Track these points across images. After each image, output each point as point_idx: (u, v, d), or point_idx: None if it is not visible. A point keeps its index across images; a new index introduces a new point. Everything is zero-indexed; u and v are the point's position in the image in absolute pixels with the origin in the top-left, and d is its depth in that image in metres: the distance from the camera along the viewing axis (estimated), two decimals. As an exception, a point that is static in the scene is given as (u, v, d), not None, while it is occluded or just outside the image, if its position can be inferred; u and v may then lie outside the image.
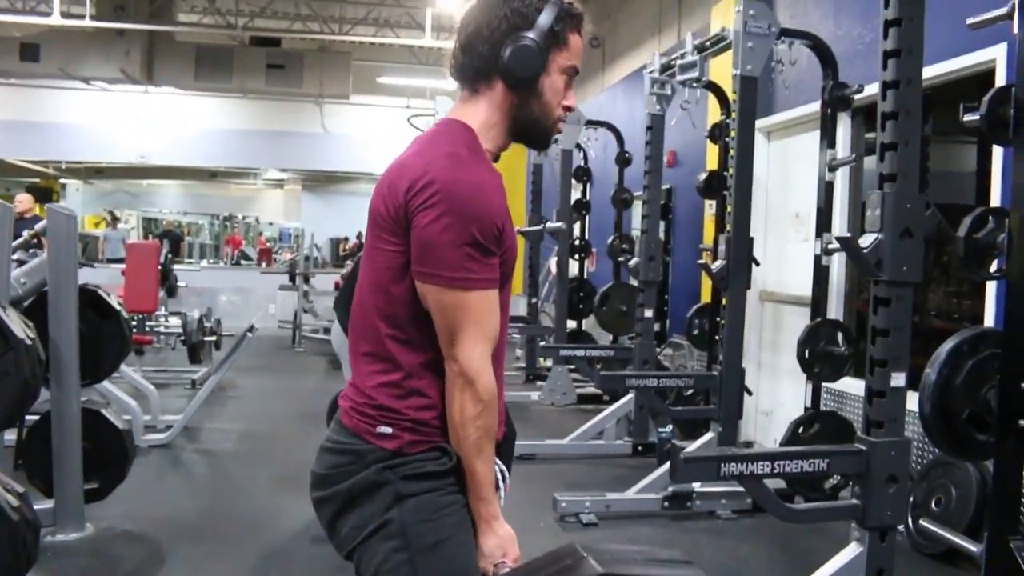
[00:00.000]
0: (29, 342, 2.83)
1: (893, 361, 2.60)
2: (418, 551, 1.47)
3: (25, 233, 4.29)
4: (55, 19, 8.77)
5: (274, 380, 8.59)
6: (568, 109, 1.63)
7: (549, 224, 7.35)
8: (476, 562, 1.51)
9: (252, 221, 20.97)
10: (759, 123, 5.89)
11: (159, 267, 8.76)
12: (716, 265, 4.33)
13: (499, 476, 1.75)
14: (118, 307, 4.02)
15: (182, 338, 8.21)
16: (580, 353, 6.30)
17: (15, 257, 4.36)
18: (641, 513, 4.31)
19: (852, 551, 2.66)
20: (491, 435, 1.51)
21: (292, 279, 11.30)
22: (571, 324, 7.99)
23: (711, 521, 4.25)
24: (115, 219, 15.79)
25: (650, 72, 5.39)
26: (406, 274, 1.48)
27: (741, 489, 4.35)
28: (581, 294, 8.16)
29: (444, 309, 1.46)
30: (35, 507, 3.75)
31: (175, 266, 10.73)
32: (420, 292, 1.48)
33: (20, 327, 2.83)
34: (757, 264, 4.63)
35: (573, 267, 8.24)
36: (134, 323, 8.35)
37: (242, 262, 16.39)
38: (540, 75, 1.55)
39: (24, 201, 9.55)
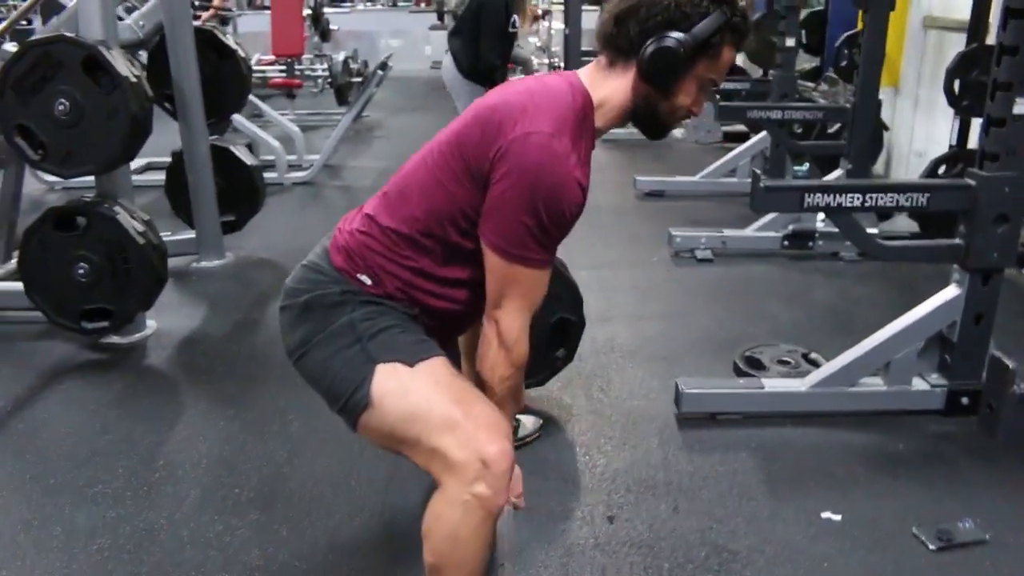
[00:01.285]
0: (134, 79, 2.95)
1: (1021, 84, 2.28)
2: (369, 338, 1.54)
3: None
4: None
5: (420, 120, 8.69)
6: (693, 114, 1.59)
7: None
8: (429, 348, 1.58)
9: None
10: None
11: (306, 10, 8.82)
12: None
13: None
14: (235, 47, 4.09)
15: (329, 80, 8.39)
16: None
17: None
18: (758, 251, 4.22)
19: (950, 292, 2.51)
20: (514, 394, 1.63)
21: (440, 17, 11.11)
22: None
23: (831, 262, 4.10)
24: None
25: None
26: (464, 212, 1.50)
27: (873, 229, 4.18)
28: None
29: (500, 276, 1.50)
30: (181, 237, 4.16)
31: (326, 9, 10.77)
32: (483, 248, 1.50)
33: (125, 66, 2.94)
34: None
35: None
36: (283, 67, 8.67)
37: (399, 3, 16.12)
38: (678, 78, 1.49)
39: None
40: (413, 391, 1.50)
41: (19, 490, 2.30)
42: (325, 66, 8.41)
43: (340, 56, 8.49)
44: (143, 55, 4.01)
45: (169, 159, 4.19)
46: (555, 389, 2.78)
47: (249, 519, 2.14)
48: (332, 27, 10.28)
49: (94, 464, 2.40)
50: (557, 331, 2.53)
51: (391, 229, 1.57)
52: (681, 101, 1.54)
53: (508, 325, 1.52)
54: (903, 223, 4.30)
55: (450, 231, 1.53)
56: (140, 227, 3.08)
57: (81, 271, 3.05)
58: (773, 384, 2.66)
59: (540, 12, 8.43)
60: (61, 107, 2.90)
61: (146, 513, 2.16)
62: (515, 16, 4.67)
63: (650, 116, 1.57)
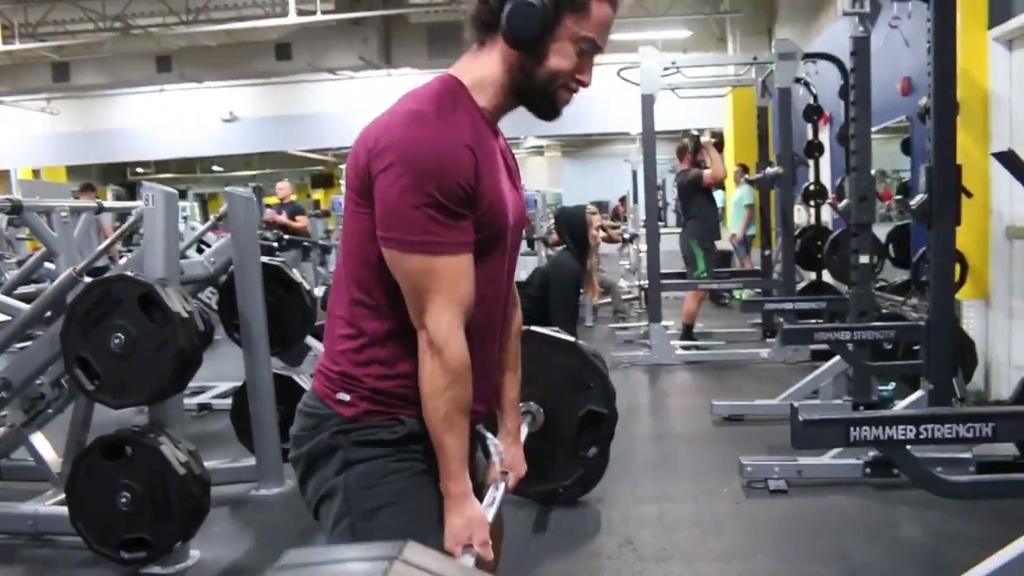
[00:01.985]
0: (185, 315, 3.06)
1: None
2: (358, 516, 1.43)
3: (212, 216, 4.70)
4: (292, 18, 9.54)
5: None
6: (581, 83, 1.48)
7: (768, 170, 6.84)
8: (424, 530, 1.40)
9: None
10: (995, 30, 5.10)
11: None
12: (917, 200, 3.78)
13: (492, 449, 1.66)
14: (300, 280, 4.26)
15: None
16: (788, 306, 5.81)
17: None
18: (838, 480, 3.90)
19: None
20: (463, 408, 1.43)
21: (531, 244, 11.48)
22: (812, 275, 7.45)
23: (920, 491, 3.73)
24: None
25: (847, -12, 4.78)
26: (375, 239, 1.40)
27: (966, 453, 3.84)
28: (818, 243, 7.54)
29: (409, 275, 1.39)
30: (242, 464, 4.17)
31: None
32: (387, 258, 1.40)
33: (178, 302, 3.07)
34: (968, 195, 3.98)
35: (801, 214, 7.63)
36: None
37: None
38: (544, 38, 1.41)
39: (284, 188, 10.53)
40: None
41: None
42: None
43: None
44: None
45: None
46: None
47: None
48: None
49: None
50: (587, 425, 2.30)
51: (335, 314, 1.50)
52: (557, 64, 1.44)
53: (434, 326, 1.38)
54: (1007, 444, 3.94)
55: (388, 274, 1.41)
56: (183, 457, 3.10)
57: (124, 500, 3.05)
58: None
59: (602, 288, 8.68)
60: (116, 340, 3.02)
61: None
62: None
63: (530, 87, 1.47)
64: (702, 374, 6.52)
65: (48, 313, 3.50)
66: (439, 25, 11.71)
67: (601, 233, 5.42)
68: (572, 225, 4.85)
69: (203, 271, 3.99)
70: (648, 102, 6.82)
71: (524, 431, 2.02)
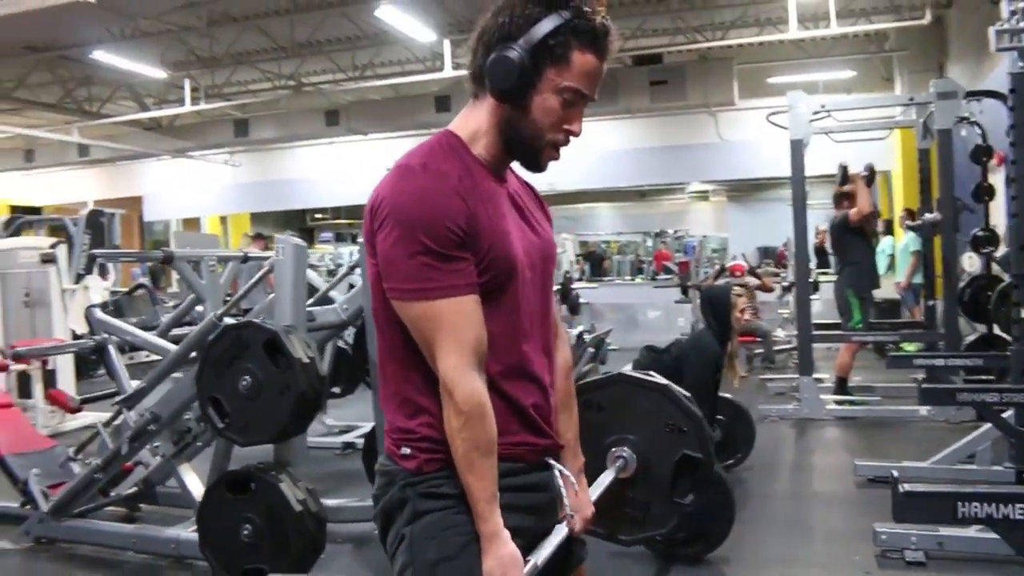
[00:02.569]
0: (307, 361, 3.24)
1: None
2: (420, 567, 1.47)
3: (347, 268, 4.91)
4: (447, 72, 9.98)
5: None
6: (571, 133, 1.50)
7: (927, 216, 6.45)
8: None
9: (683, 234, 21.33)
10: None
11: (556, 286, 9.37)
12: (1004, 251, 3.46)
13: (556, 483, 1.63)
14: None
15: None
16: (939, 362, 5.41)
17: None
18: (984, 555, 3.57)
19: None
20: (481, 448, 1.44)
21: (684, 291, 11.31)
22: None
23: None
24: None
25: (1000, 25, 4.48)
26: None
27: None
28: (989, 293, 7.00)
29: (414, 322, 1.44)
30: (369, 503, 4.31)
31: (576, 284, 11.43)
32: (395, 309, 1.46)
33: (301, 349, 3.25)
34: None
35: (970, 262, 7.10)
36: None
37: (657, 276, 16.79)
38: (526, 90, 1.45)
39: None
40: None
41: None
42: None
43: (576, 330, 8.83)
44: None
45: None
46: None
47: None
48: (582, 300, 10.84)
49: None
50: (682, 470, 2.20)
51: (383, 373, 1.56)
52: (541, 116, 1.46)
53: (443, 369, 1.42)
54: None
55: (396, 318, 1.47)
56: (300, 495, 3.25)
57: (246, 531, 3.24)
58: None
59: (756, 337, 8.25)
60: (244, 382, 3.23)
61: None
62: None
63: (516, 139, 1.49)
64: (853, 431, 6.17)
65: (193, 354, 3.78)
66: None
67: (744, 316, 5.13)
68: (715, 305, 4.59)
69: (335, 318, 4.19)
70: (797, 147, 6.61)
71: (610, 476, 2.00)
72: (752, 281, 9.33)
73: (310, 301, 4.68)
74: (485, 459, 1.44)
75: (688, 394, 2.28)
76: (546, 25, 1.42)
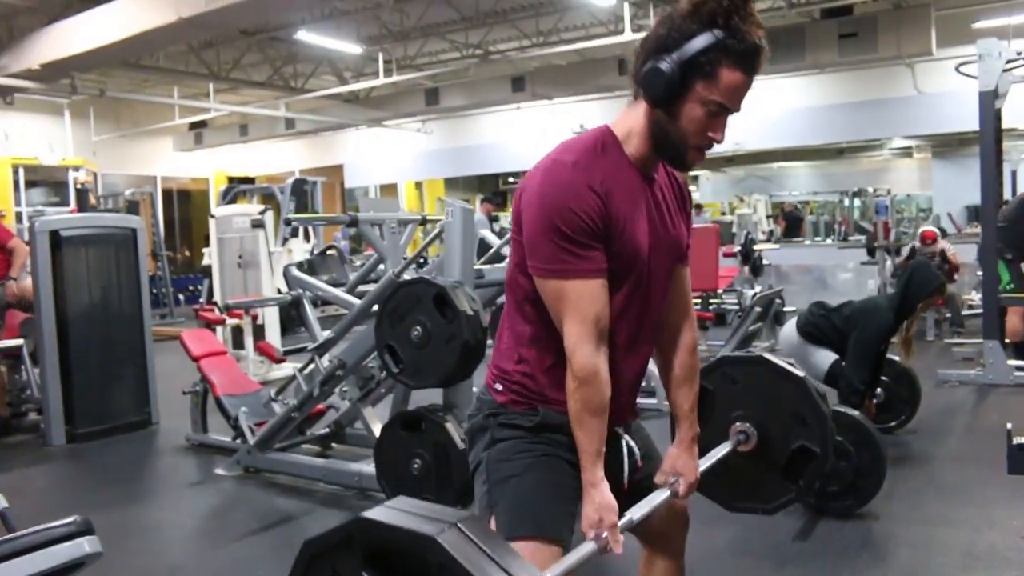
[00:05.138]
0: (471, 313, 3.55)
1: None
2: (494, 482, 1.73)
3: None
4: (627, 35, 10.03)
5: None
6: (714, 140, 1.65)
7: None
8: (538, 499, 1.69)
9: (883, 194, 20.26)
10: None
11: (719, 249, 9.37)
12: None
13: (625, 451, 1.85)
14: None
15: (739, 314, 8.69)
16: None
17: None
18: None
19: None
20: (591, 409, 1.64)
21: (871, 252, 10.86)
22: None
23: None
24: (699, 207, 16.93)
25: None
26: (522, 262, 1.70)
27: None
28: None
29: (548, 295, 1.67)
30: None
31: (758, 246, 11.25)
32: (535, 281, 1.69)
33: (466, 302, 3.57)
34: None
35: None
36: (698, 300, 9.19)
37: (848, 238, 16.10)
38: (675, 99, 1.59)
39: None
40: None
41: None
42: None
43: (750, 291, 8.79)
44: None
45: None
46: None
47: None
48: (767, 262, 10.69)
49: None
50: (798, 459, 2.33)
51: (504, 322, 1.80)
52: (687, 123, 1.60)
53: (567, 336, 1.63)
54: None
55: (522, 281, 1.71)
56: (464, 435, 3.60)
57: (416, 466, 3.63)
58: None
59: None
60: (416, 332, 3.59)
61: None
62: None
63: (664, 141, 1.65)
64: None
65: (374, 308, 4.21)
66: (779, 29, 11.48)
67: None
68: (913, 286, 4.31)
69: (502, 276, 4.48)
70: (987, 99, 6.26)
71: (727, 447, 2.17)
72: (949, 249, 8.79)
73: (483, 259, 5.04)
74: (594, 418, 1.65)
75: (823, 392, 2.37)
76: (699, 42, 1.54)
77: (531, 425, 1.73)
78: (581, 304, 1.62)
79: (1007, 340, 6.55)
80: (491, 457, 1.76)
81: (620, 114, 1.72)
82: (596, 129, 1.71)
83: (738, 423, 2.26)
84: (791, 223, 18.45)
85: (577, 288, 1.61)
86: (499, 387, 1.78)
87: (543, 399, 1.73)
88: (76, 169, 14.24)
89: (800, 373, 2.30)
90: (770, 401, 2.27)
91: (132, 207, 12.99)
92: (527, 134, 15.70)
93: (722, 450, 2.17)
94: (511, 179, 23.25)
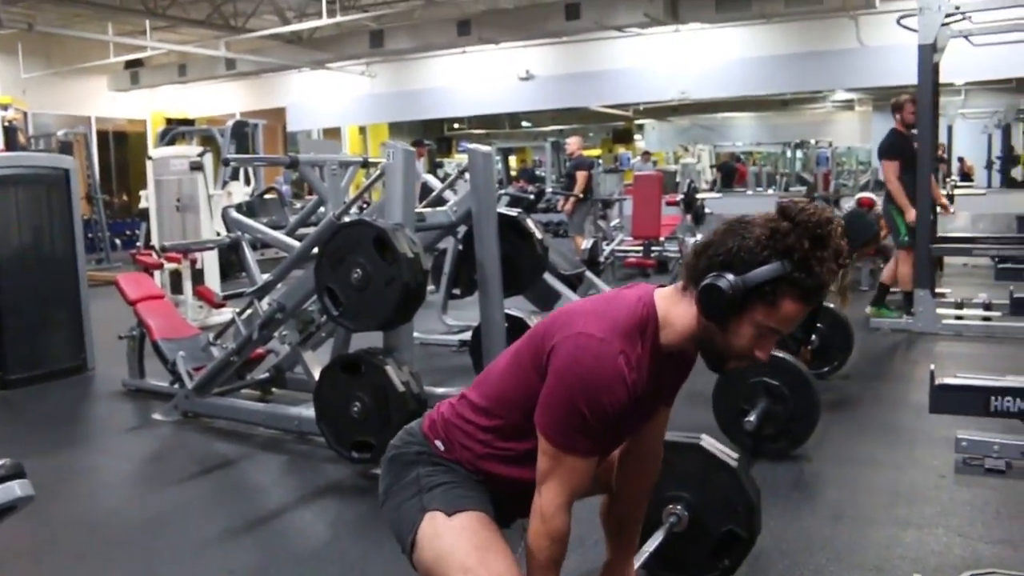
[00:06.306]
0: (411, 256, 3.53)
1: None
2: (427, 489, 1.83)
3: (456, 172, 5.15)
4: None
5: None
6: (759, 359, 1.64)
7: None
8: (474, 496, 1.82)
9: (824, 146, 20.51)
10: None
11: (661, 196, 9.47)
12: None
13: None
14: (534, 230, 4.63)
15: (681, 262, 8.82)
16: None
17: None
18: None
19: None
20: (556, 562, 1.73)
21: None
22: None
23: None
24: (647, 154, 17.10)
25: None
26: (529, 396, 1.71)
27: None
28: None
29: (544, 454, 1.69)
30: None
31: (701, 195, 11.35)
32: (537, 432, 1.70)
33: (406, 245, 3.54)
34: None
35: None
36: (640, 248, 9.29)
37: (789, 188, 16.37)
38: (729, 317, 1.57)
39: (572, 143, 11.13)
40: (443, 536, 1.72)
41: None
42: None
43: (692, 239, 8.91)
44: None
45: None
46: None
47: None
48: (707, 211, 10.79)
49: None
50: (725, 542, 2.46)
51: (471, 402, 1.83)
52: (736, 341, 1.60)
53: (548, 500, 1.68)
54: None
55: (515, 413, 1.74)
56: (404, 378, 3.60)
57: (355, 408, 3.62)
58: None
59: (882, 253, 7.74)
60: (355, 275, 3.56)
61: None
62: None
63: (708, 348, 1.66)
64: (969, 346, 6.05)
65: (314, 251, 4.16)
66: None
67: None
68: (848, 235, 4.53)
69: (445, 219, 4.47)
70: (925, 53, 6.35)
71: (661, 535, 2.35)
72: None
73: (424, 202, 5.00)
74: (554, 570, 1.73)
75: (755, 485, 2.49)
76: (768, 271, 1.51)
77: (473, 476, 1.84)
78: (573, 477, 1.67)
79: (899, 288, 6.75)
80: (423, 473, 1.84)
81: (668, 293, 1.70)
82: (644, 303, 1.68)
83: (671, 505, 2.40)
84: (726, 174, 18.68)
85: (574, 463, 1.67)
86: (441, 446, 1.85)
87: (476, 469, 1.84)
88: (4, 108, 13.69)
89: (733, 463, 2.41)
90: (704, 486, 2.39)
91: (65, 148, 12.59)
92: (473, 79, 15.53)
93: (656, 539, 2.32)
94: (456, 125, 23.06)
